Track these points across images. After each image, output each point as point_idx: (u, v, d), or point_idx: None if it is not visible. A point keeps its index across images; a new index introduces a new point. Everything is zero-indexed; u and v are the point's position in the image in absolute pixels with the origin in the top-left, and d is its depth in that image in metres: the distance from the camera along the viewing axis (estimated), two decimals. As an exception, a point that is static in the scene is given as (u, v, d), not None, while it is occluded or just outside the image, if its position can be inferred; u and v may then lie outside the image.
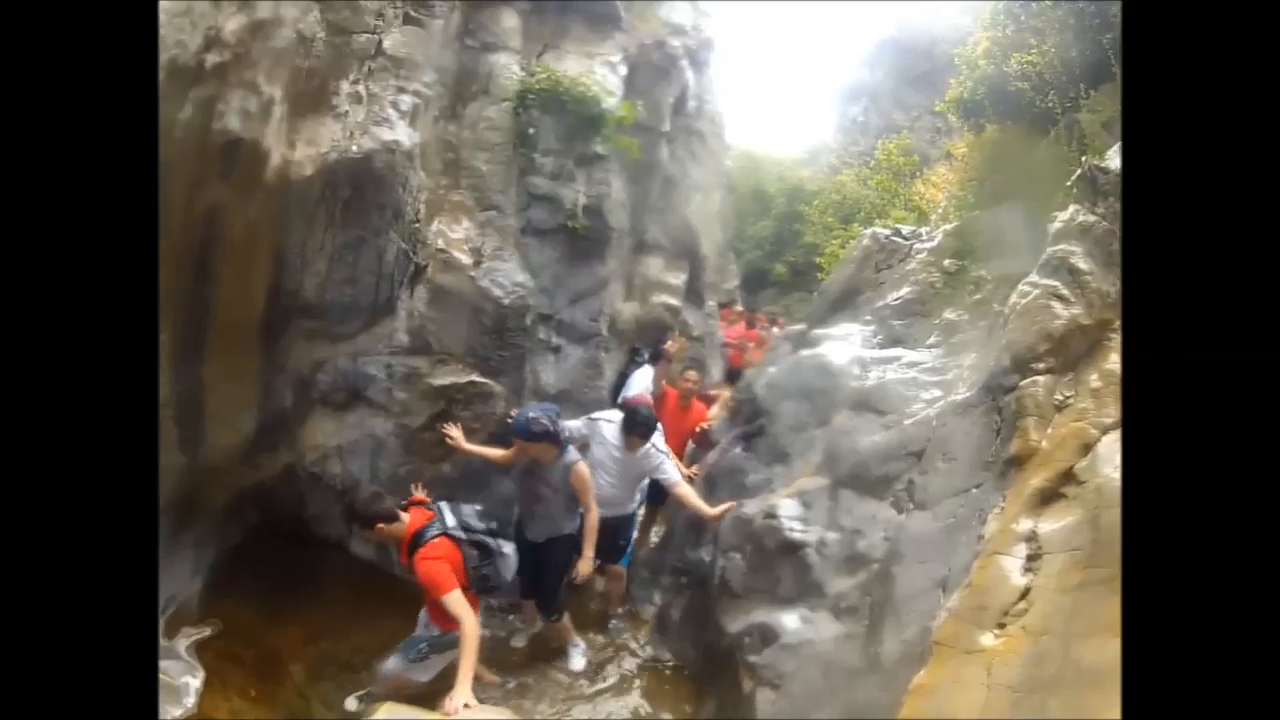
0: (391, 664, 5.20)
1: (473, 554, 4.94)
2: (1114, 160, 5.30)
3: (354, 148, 5.53)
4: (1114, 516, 3.88)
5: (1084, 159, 5.65)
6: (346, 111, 5.56)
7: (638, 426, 6.23)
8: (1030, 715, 3.43)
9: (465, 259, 6.57)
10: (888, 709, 4.15)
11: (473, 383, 6.48)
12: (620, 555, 6.79)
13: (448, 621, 4.78)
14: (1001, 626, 4.01)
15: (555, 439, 5.69)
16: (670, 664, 6.38)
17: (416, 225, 6.25)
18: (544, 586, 6.12)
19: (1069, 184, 5.60)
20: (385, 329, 6.26)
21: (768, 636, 5.24)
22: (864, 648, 4.74)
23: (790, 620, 5.24)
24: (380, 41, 5.91)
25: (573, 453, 5.88)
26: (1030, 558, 4.18)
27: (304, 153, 5.24)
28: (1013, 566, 4.20)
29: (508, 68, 7.24)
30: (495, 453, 6.12)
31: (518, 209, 7.21)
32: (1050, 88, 7.40)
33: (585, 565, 5.95)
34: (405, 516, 4.91)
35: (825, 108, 32.85)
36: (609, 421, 6.43)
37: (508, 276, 6.74)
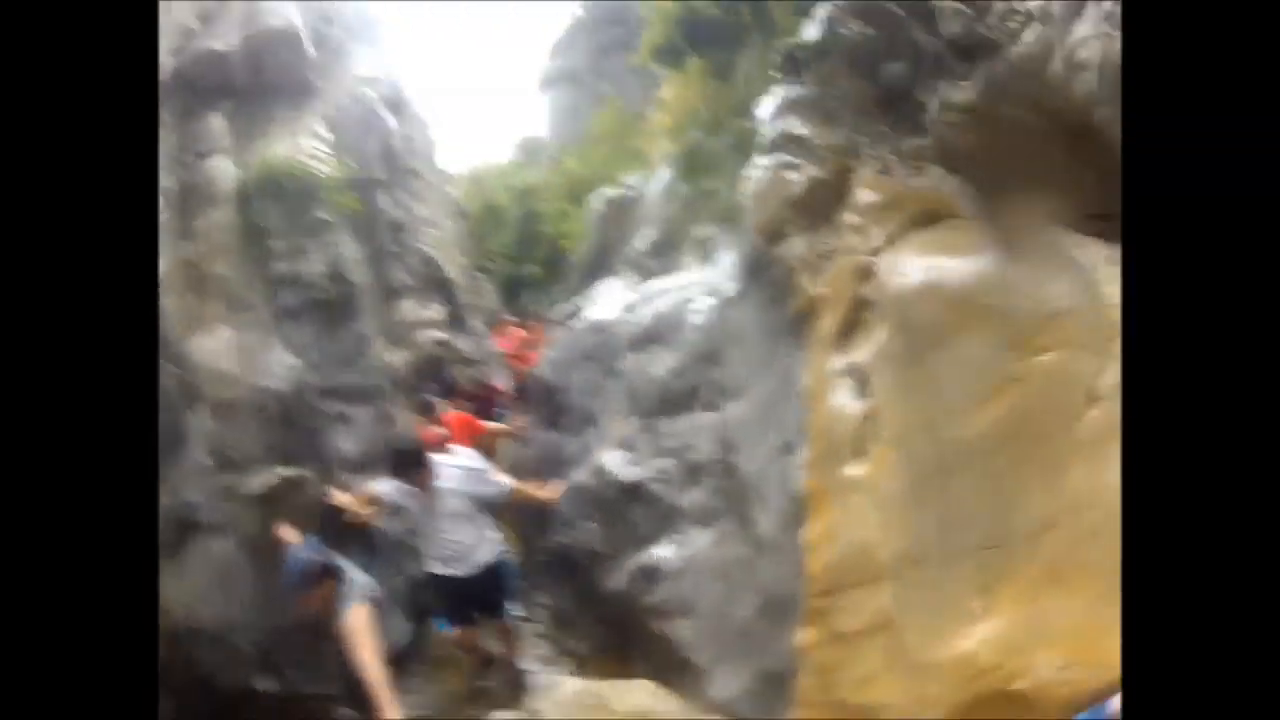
0: None
1: None
2: (811, 32, 5.84)
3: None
4: (918, 311, 4.48)
5: (779, 43, 6.26)
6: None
7: (402, 462, 5.94)
8: (938, 501, 3.96)
9: (234, 367, 6.74)
10: (794, 575, 4.60)
11: (286, 479, 6.66)
12: (498, 608, 6.32)
13: None
14: (862, 453, 4.49)
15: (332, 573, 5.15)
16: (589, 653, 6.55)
17: (181, 345, 6.40)
18: None
19: (773, 71, 6.25)
20: (188, 457, 6.29)
21: (651, 575, 5.66)
22: (744, 537, 5.17)
23: (664, 551, 5.66)
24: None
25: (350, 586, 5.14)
26: (859, 385, 4.67)
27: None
28: (844, 400, 4.69)
29: (224, 169, 7.48)
30: None
31: (266, 300, 7.42)
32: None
33: None
34: None
35: (531, 105, 34.01)
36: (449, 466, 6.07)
37: (278, 363, 6.99)
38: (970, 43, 4.77)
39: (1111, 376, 3.53)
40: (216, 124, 7.77)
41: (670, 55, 9.94)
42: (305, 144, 8.28)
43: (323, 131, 8.68)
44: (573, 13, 23.79)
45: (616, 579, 6.08)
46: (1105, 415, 3.48)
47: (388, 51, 12.33)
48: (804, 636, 4.58)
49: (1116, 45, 3.52)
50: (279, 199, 7.68)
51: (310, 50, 8.96)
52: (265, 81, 8.45)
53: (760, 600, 4.99)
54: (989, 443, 3.92)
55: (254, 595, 6.33)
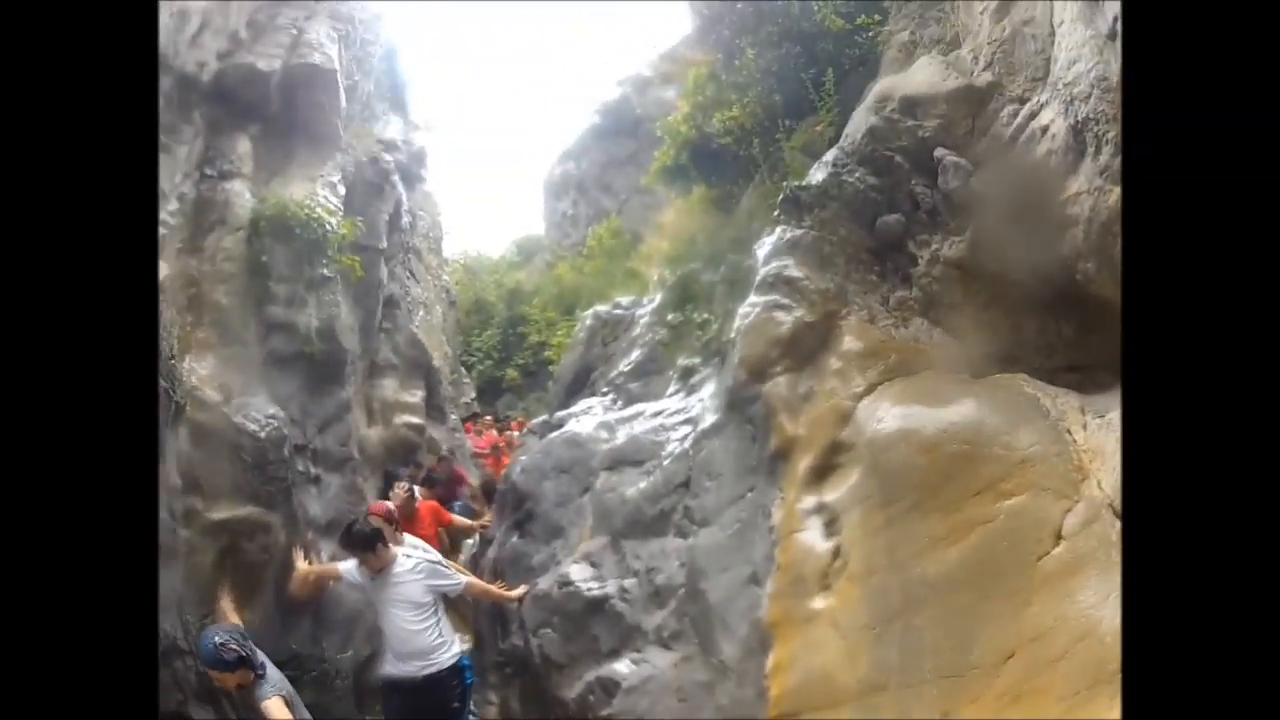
0: None
1: None
2: (816, 176, 6.44)
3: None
4: (892, 456, 4.95)
5: (785, 184, 6.83)
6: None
7: (354, 542, 6.18)
8: (901, 633, 4.29)
9: (216, 396, 6.88)
10: (755, 701, 4.89)
11: (248, 518, 6.75)
12: (459, 716, 6.34)
13: None
14: (827, 587, 4.91)
15: (251, 665, 5.33)
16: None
17: (172, 362, 6.48)
18: None
19: (774, 211, 6.80)
20: (160, 471, 6.22)
21: (609, 688, 5.84)
22: (706, 661, 5.44)
23: (623, 666, 5.87)
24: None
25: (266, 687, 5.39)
26: (828, 524, 5.13)
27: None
28: (813, 537, 5.15)
29: (241, 195, 7.70)
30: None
31: (258, 340, 7.63)
32: (753, 136, 8.60)
33: None
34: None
35: (534, 207, 35.22)
36: (404, 554, 6.33)
37: (260, 410, 7.11)
38: (966, 197, 5.24)
39: (1076, 517, 3.99)
40: (242, 146, 8.11)
41: (677, 178, 10.67)
42: (321, 193, 8.62)
43: (339, 185, 9.04)
44: (590, 119, 25.03)
45: (572, 688, 6.19)
46: (1069, 552, 3.91)
47: (414, 121, 13.21)
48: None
49: (1107, 200, 3.98)
50: (287, 242, 7.98)
51: (342, 98, 9.40)
52: (295, 116, 8.82)
53: (717, 723, 5.21)
54: (954, 579, 4.31)
55: (200, 623, 6.38)
